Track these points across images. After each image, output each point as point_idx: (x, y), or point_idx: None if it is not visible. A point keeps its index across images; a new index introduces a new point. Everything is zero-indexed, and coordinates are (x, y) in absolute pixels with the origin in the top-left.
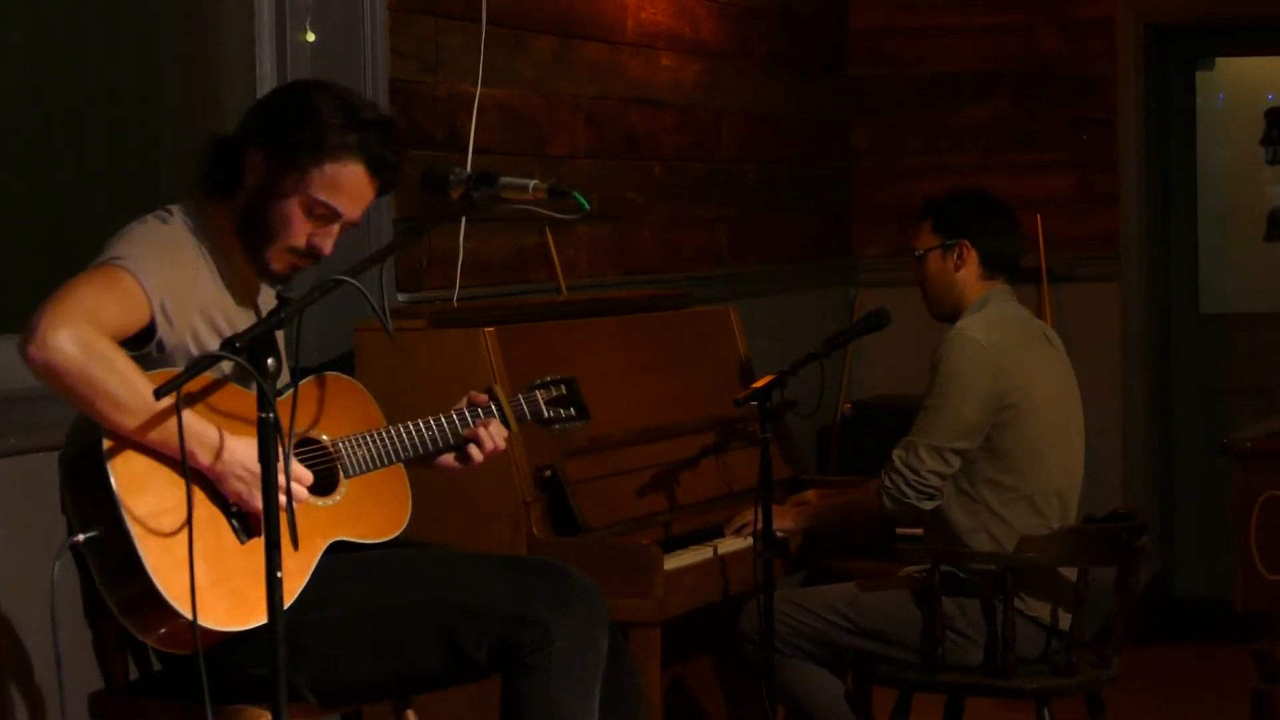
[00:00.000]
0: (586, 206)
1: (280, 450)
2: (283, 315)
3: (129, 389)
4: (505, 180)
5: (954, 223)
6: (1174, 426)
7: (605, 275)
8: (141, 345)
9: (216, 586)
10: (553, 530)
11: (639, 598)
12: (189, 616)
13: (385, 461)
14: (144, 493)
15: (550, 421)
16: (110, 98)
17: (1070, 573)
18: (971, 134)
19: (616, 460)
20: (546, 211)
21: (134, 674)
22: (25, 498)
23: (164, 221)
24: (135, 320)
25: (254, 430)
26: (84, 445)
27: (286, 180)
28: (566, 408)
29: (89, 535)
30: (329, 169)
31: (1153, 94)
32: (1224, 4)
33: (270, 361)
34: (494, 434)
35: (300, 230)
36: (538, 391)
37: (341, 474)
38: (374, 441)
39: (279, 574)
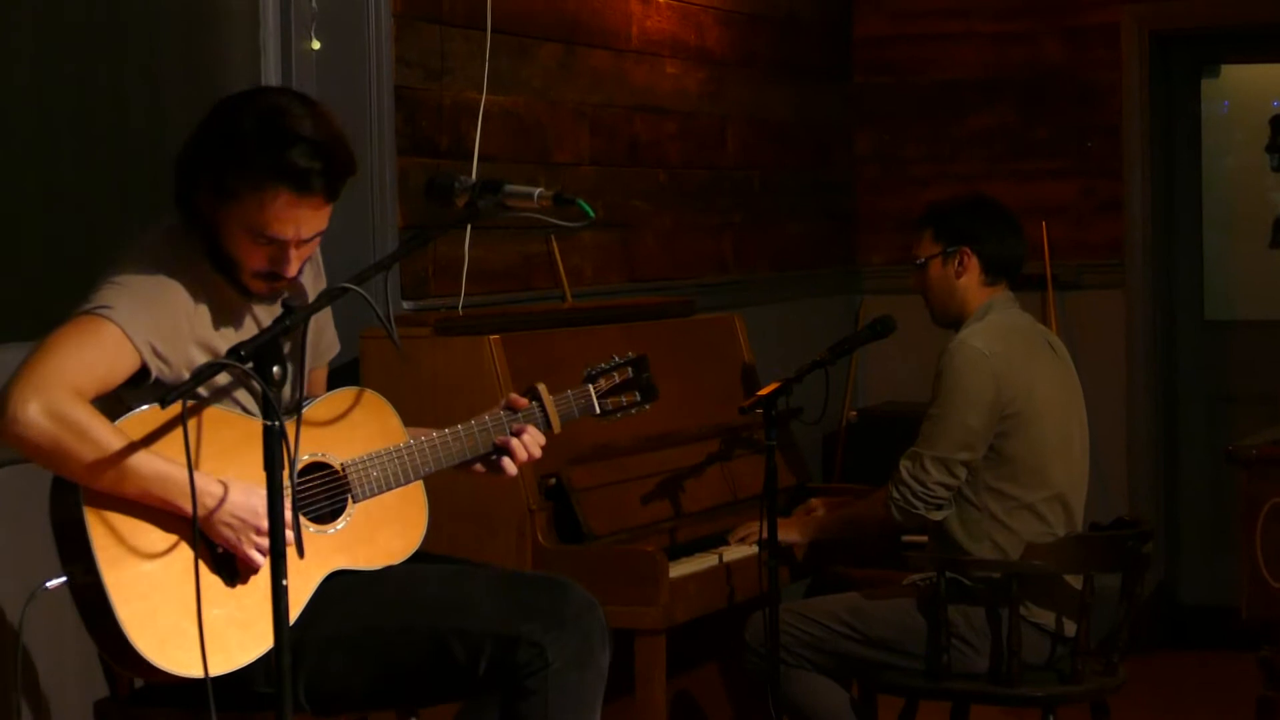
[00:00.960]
0: (591, 214)
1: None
2: (287, 324)
3: (100, 453)
4: (510, 188)
5: (955, 230)
6: (1179, 434)
7: (610, 283)
8: (139, 384)
9: (189, 634)
10: (558, 538)
11: (644, 605)
12: (160, 666)
13: (400, 481)
14: (121, 541)
15: (609, 413)
16: (115, 106)
17: (1075, 580)
18: (975, 141)
19: (622, 468)
20: (551, 219)
21: (139, 683)
22: (32, 506)
23: (155, 250)
24: (122, 369)
25: (244, 467)
26: (64, 491)
27: (223, 214)
28: (630, 392)
29: (59, 582)
30: (250, 200)
31: (1157, 101)
32: (1229, 11)
33: (276, 370)
34: (528, 443)
35: (257, 258)
36: (592, 385)
37: (350, 499)
38: (388, 461)
39: (284, 582)
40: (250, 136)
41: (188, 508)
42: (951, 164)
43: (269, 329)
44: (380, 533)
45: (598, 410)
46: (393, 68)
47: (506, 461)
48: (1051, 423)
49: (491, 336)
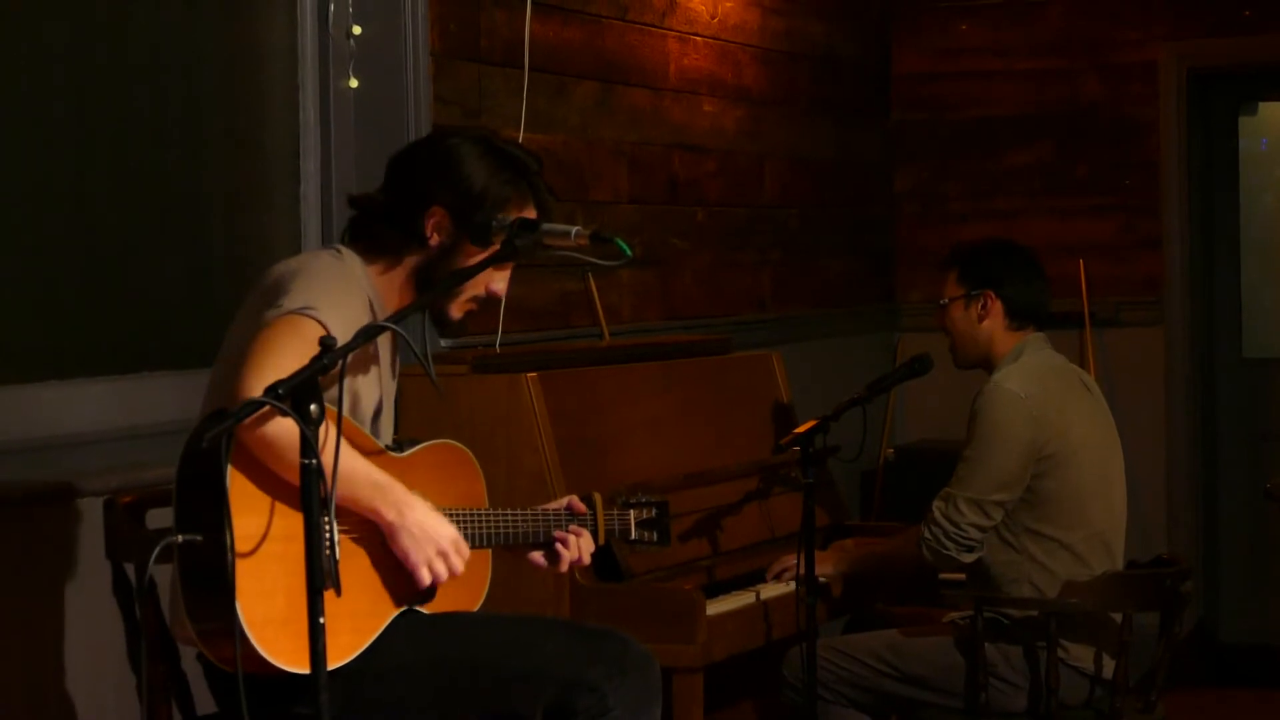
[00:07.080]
0: (629, 252)
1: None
2: (325, 361)
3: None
4: (548, 227)
5: (979, 274)
6: (1218, 471)
7: (648, 320)
8: None
9: (290, 624)
10: (595, 576)
11: (681, 643)
12: (256, 647)
13: (477, 544)
14: (253, 514)
15: (634, 542)
16: (154, 144)
17: (1114, 618)
18: (1014, 179)
19: None
20: (589, 257)
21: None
22: (74, 542)
23: (339, 263)
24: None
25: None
26: (208, 449)
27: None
28: (651, 530)
29: (188, 538)
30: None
31: (1196, 138)
32: (1267, 50)
33: (313, 408)
34: (582, 546)
35: (484, 279)
36: (631, 511)
37: None
38: (473, 521)
39: (321, 620)
40: (501, 162)
41: (387, 514)
42: (990, 201)
43: (306, 366)
44: (450, 586)
45: (632, 536)
46: (431, 106)
47: (563, 554)
48: (1089, 462)
49: (529, 374)
